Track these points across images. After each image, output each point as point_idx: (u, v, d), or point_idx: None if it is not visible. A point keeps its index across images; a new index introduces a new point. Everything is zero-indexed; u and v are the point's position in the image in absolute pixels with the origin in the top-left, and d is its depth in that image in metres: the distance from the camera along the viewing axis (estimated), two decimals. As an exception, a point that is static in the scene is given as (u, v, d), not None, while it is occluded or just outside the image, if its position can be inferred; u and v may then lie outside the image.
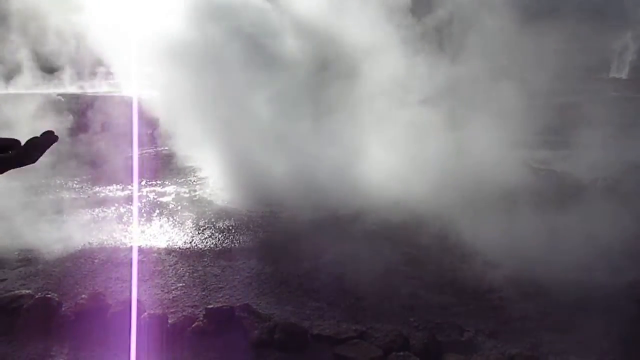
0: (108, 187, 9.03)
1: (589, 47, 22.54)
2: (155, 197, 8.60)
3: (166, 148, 9.97)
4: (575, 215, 6.59)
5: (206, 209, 7.88)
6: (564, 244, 5.93)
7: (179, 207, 8.03)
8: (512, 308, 4.93)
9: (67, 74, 16.71)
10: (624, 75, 24.96)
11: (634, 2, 24.21)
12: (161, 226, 7.26)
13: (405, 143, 8.38)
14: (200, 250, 6.44)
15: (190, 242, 6.69)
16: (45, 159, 1.59)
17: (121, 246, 6.52)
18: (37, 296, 4.89)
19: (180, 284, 5.48)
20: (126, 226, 7.29)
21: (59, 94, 13.55)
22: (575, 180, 8.80)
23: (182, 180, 9.49)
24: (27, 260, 6.07)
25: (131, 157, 9.80)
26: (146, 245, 6.55)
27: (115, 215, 7.73)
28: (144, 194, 8.76)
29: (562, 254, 5.73)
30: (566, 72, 16.20)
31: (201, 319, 4.59)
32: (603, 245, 5.88)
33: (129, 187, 9.02)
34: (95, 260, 6.05)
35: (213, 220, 7.42)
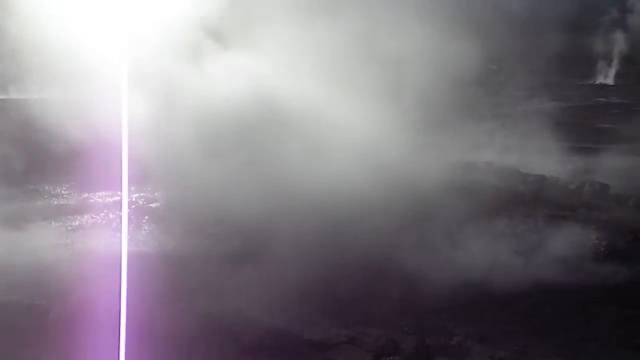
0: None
1: (576, 54, 22.84)
2: (144, 203, 8.54)
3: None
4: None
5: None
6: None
7: (160, 215, 7.95)
8: (500, 312, 4.97)
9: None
10: (610, 81, 25.27)
11: (621, 10, 24.58)
12: (150, 232, 7.23)
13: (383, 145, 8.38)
14: (190, 256, 6.41)
15: (180, 249, 6.66)
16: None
17: (109, 252, 6.47)
18: (25, 303, 4.84)
19: (170, 290, 5.45)
20: (114, 232, 7.24)
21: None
22: (563, 185, 8.88)
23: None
24: (16, 267, 6.00)
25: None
26: (134, 250, 6.51)
27: (102, 221, 7.68)
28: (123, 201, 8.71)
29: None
30: (553, 79, 16.42)
31: (192, 324, 4.57)
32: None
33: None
34: (84, 266, 6.00)
35: (202, 226, 7.38)
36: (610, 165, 10.77)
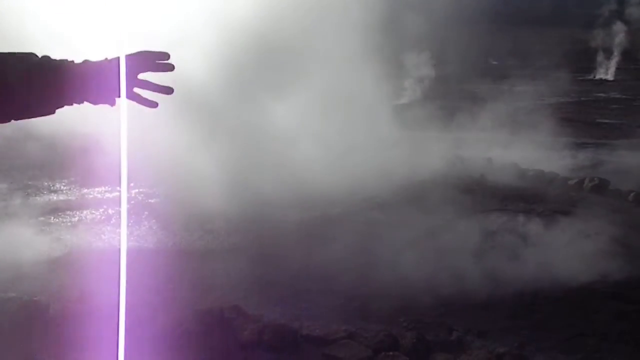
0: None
1: (576, 49, 22.86)
2: (144, 198, 8.53)
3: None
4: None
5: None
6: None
7: (159, 211, 7.94)
8: (500, 307, 4.97)
9: None
10: (610, 76, 25.23)
11: (622, 4, 24.54)
12: (149, 228, 7.22)
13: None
14: (189, 252, 6.41)
15: (179, 244, 6.66)
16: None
17: (108, 247, 6.48)
18: (23, 299, 4.84)
19: (169, 286, 5.46)
20: (113, 227, 7.24)
21: None
22: (563, 180, 8.88)
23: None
24: (14, 263, 6.00)
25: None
26: (133, 246, 6.51)
27: (101, 217, 7.68)
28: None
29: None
30: (553, 74, 16.42)
31: (190, 320, 4.58)
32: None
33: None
34: (83, 262, 6.01)
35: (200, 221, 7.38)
36: (611, 161, 10.77)
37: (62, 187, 9.13)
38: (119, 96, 1.40)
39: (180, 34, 7.86)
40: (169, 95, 1.42)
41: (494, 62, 25.31)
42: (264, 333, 4.39)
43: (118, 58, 1.37)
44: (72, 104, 1.41)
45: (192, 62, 7.77)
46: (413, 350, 4.30)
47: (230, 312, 4.66)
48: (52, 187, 9.10)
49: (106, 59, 1.39)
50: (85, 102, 1.42)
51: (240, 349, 4.34)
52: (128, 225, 7.31)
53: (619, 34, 24.79)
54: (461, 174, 8.97)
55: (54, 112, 1.41)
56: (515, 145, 10.20)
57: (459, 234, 6.57)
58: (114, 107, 1.42)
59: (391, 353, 4.21)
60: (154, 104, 1.43)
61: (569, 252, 5.91)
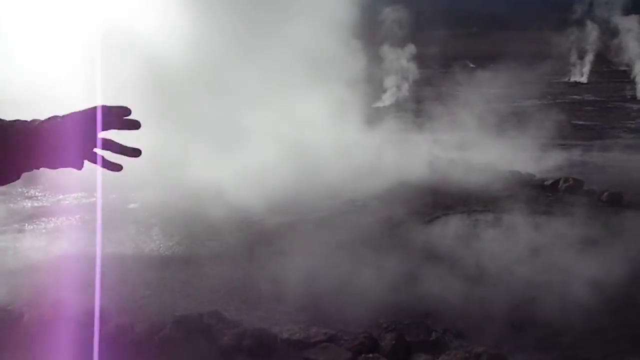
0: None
1: (550, 52, 23.27)
2: (121, 203, 8.44)
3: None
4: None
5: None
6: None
7: (137, 216, 7.88)
8: (476, 307, 5.02)
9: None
10: (584, 79, 25.74)
11: (594, 7, 25.05)
12: (127, 234, 7.14)
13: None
14: (168, 258, 6.35)
15: (157, 249, 6.60)
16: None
17: (84, 254, 6.38)
18: (-3, 308, 4.75)
19: (148, 292, 5.40)
20: (90, 235, 7.14)
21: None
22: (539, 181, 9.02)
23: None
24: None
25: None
26: (110, 252, 6.43)
27: (77, 223, 7.57)
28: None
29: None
30: (529, 77, 16.69)
31: (169, 326, 4.53)
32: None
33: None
34: (59, 270, 5.91)
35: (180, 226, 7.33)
36: (585, 161, 10.98)
37: (37, 193, 8.98)
38: (83, 159, 1.21)
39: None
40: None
41: (472, 65, 25.66)
42: (243, 338, 4.37)
43: (72, 114, 1.19)
44: (25, 171, 1.21)
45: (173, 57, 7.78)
46: (393, 351, 4.32)
47: (210, 318, 4.63)
48: (26, 194, 8.95)
49: (56, 116, 1.20)
50: (42, 168, 1.23)
51: (220, 354, 4.32)
52: (105, 232, 7.21)
53: (593, 37, 25.31)
54: (438, 175, 9.05)
55: (17, 179, 1.20)
56: (492, 146, 10.33)
57: (436, 234, 6.64)
58: (81, 170, 1.22)
59: (371, 355, 4.22)
60: (118, 167, 1.22)
61: (544, 250, 6.00)
